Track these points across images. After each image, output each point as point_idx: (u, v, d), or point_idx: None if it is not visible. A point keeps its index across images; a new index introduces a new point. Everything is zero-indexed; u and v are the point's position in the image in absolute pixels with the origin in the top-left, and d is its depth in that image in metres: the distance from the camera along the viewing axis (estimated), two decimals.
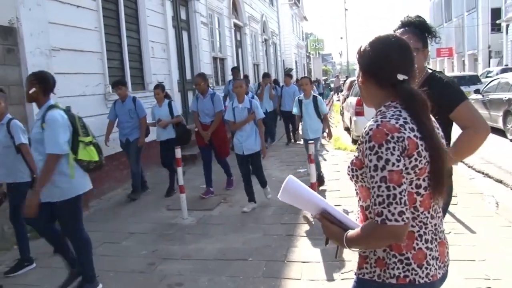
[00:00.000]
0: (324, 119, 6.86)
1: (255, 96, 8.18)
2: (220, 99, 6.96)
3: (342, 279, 3.80)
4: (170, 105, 7.21)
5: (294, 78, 19.96)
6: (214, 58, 13.85)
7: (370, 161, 1.48)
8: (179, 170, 5.78)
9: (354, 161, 1.61)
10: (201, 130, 6.85)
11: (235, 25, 16.50)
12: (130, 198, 6.89)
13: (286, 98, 11.70)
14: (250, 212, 5.83)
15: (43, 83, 3.72)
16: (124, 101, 6.93)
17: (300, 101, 6.89)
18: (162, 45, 9.87)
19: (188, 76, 11.60)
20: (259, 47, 20.88)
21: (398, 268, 1.55)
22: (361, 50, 1.66)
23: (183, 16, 11.67)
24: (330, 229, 1.66)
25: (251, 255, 4.46)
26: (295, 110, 6.99)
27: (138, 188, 7.05)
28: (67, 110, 3.79)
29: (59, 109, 3.70)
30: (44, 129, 3.59)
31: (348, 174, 1.65)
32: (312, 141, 5.72)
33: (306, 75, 19.87)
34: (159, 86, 7.31)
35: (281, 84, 13.73)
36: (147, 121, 7.17)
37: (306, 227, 5.19)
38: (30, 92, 3.71)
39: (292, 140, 11.57)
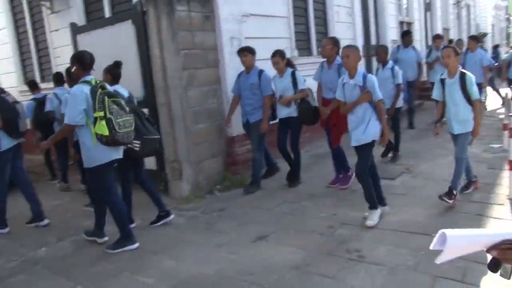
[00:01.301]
0: (474, 106, 4.78)
1: (394, 66, 6.86)
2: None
3: None
4: (293, 76, 5.78)
5: (489, 44, 17.69)
6: (401, 23, 13.09)
7: None
8: None
9: None
10: (320, 106, 5.70)
11: None
12: (245, 191, 5.81)
13: (469, 66, 8.42)
14: (434, 185, 5.33)
15: (80, 62, 4.19)
16: (249, 72, 5.82)
17: (442, 81, 4.93)
18: (347, 9, 9.66)
19: (373, 41, 11.20)
20: (450, 10, 19.13)
21: None
22: None
23: None
24: None
25: (434, 231, 4.13)
26: (435, 94, 5.07)
27: (258, 180, 5.95)
28: (95, 85, 4.04)
29: (86, 84, 4.07)
30: None
31: None
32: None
33: (503, 41, 17.19)
34: (277, 53, 5.82)
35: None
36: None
37: (499, 208, 4.63)
38: (72, 70, 4.27)
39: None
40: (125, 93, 4.86)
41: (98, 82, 4.14)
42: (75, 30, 6.68)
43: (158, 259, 4.12)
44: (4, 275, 4.14)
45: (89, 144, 4.09)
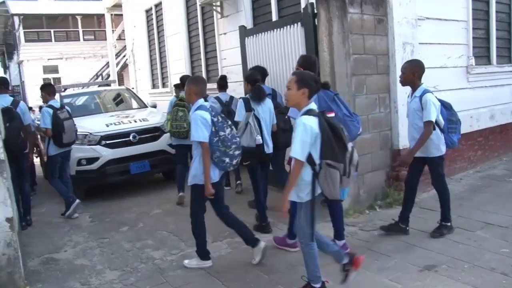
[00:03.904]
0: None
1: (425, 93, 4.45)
2: None
3: None
4: None
5: None
6: None
7: None
8: None
9: None
10: None
11: None
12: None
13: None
14: None
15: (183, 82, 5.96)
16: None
17: None
18: None
19: None
20: None
21: None
22: None
23: None
24: None
25: None
26: None
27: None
28: (176, 99, 6.56)
29: (174, 97, 6.79)
30: None
31: None
32: None
33: None
34: None
35: None
36: None
37: None
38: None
39: None
40: (226, 98, 6.45)
41: (181, 97, 6.20)
42: (244, 33, 6.80)
43: None
44: (165, 267, 4.36)
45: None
